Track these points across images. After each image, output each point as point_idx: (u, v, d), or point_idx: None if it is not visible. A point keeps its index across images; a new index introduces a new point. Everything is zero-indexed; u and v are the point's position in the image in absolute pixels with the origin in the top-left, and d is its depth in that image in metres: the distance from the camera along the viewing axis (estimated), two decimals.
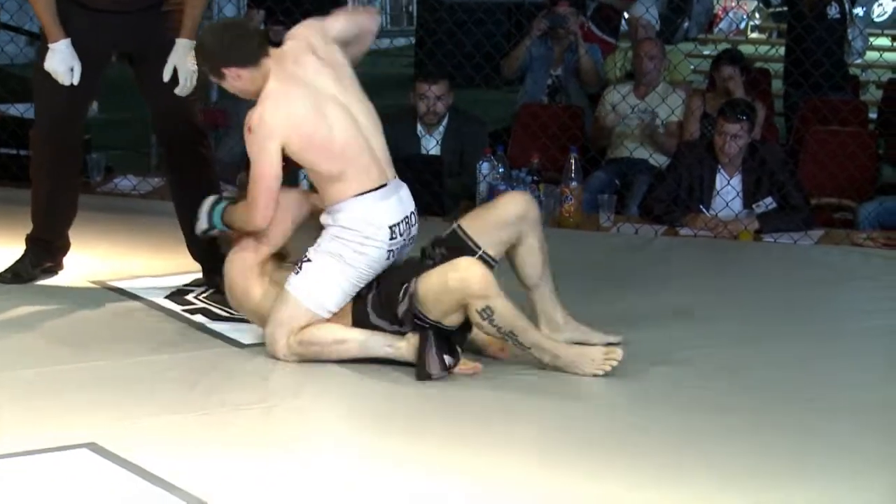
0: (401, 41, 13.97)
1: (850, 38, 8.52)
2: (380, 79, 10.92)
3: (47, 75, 5.08)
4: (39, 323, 4.86)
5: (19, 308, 5.01)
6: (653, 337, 4.85)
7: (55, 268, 5.44)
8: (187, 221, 5.05)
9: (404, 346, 4.38)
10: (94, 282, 5.38)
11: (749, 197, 6.47)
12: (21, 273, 5.34)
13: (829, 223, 6.75)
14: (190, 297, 5.19)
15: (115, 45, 5.18)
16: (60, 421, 3.90)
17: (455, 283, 4.26)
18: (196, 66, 4.90)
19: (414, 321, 4.35)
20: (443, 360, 4.31)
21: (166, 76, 5.09)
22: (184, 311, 5.01)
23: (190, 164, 5.23)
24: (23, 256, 5.39)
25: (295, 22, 5.84)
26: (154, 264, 5.59)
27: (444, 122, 6.91)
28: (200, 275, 5.34)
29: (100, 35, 5.10)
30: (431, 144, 6.90)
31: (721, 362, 4.65)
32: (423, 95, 6.85)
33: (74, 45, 5.06)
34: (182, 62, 5.08)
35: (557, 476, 3.64)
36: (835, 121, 7.56)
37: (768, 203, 6.46)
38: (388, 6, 15.89)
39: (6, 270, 5.35)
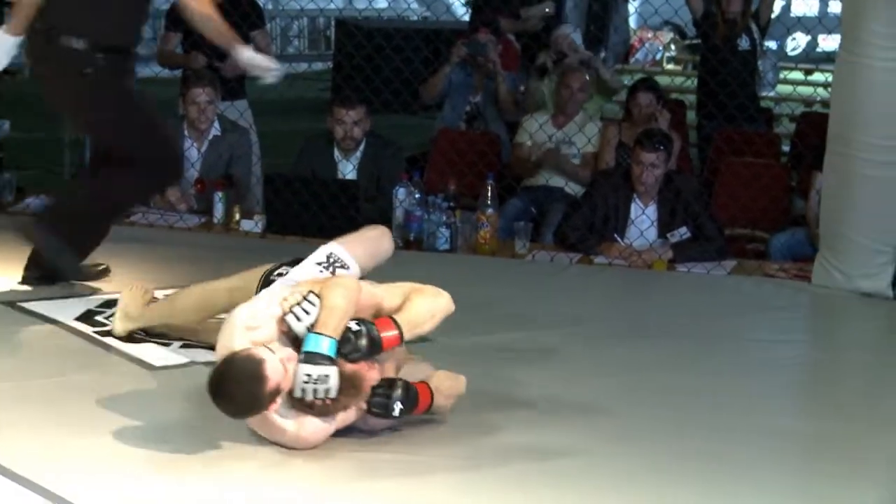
0: (318, 65, 13.96)
1: (760, 69, 8.58)
2: (296, 102, 10.90)
3: None
4: None
5: None
6: (556, 363, 4.91)
7: None
8: None
9: None
10: (2, 302, 5.30)
11: (664, 227, 6.50)
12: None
13: (741, 254, 6.82)
14: (100, 318, 5.13)
15: None
16: None
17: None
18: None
19: None
20: None
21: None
22: (94, 332, 4.95)
23: None
24: None
25: (212, 46, 5.79)
26: (65, 286, 5.52)
27: (361, 147, 6.89)
28: (111, 297, 5.28)
29: None
30: (348, 169, 6.88)
31: (624, 390, 4.67)
32: (340, 120, 6.83)
33: None
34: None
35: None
36: (748, 152, 7.63)
37: (682, 233, 6.49)
38: (306, 30, 15.87)
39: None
